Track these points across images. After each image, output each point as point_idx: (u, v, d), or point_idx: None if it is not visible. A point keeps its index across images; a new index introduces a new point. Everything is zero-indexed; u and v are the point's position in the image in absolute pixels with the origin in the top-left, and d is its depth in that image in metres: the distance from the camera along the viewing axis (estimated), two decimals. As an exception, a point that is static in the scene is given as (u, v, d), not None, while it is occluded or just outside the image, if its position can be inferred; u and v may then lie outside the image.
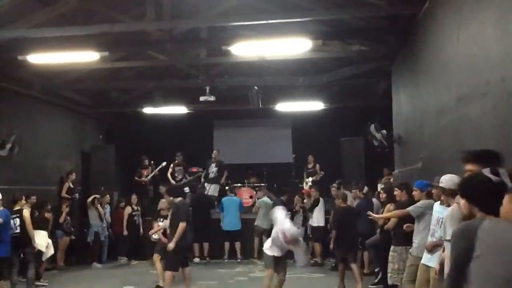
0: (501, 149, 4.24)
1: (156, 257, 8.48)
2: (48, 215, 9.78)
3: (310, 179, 12.84)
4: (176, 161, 13.19)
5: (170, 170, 13.05)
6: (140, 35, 9.28)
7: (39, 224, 8.87)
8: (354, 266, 7.86)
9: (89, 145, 13.76)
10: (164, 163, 13.10)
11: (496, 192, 2.45)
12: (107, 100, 13.27)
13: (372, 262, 9.06)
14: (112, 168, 13.10)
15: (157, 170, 13.18)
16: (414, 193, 5.96)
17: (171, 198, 7.67)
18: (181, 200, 7.68)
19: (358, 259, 9.67)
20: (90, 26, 8.19)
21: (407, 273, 5.85)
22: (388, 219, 6.81)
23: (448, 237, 3.91)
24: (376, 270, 8.61)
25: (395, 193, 6.75)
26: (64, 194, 11.45)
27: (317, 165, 12.94)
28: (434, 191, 5.31)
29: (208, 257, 11.48)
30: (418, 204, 5.79)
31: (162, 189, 11.22)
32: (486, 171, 2.63)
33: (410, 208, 5.82)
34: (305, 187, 12.78)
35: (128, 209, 11.69)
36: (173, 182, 12.84)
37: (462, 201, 2.58)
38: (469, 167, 3.29)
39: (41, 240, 8.74)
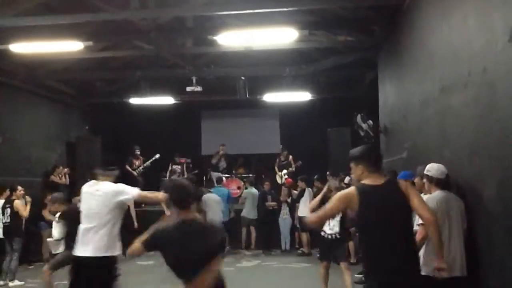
0: (481, 139, 4.28)
1: None
2: None
3: (285, 171, 13.06)
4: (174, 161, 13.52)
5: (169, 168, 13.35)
6: (125, 24, 9.17)
7: None
8: None
9: (75, 136, 13.60)
10: (157, 156, 13.05)
11: None
12: (92, 90, 13.14)
13: (358, 251, 9.09)
14: (98, 159, 12.94)
15: (149, 162, 13.05)
16: None
17: None
18: None
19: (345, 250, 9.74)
20: (74, 15, 8.05)
21: None
22: None
23: (417, 222, 3.98)
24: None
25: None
26: (58, 181, 11.47)
27: (290, 157, 13.17)
28: (416, 180, 5.32)
29: None
30: None
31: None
32: None
33: None
34: (278, 180, 12.96)
35: None
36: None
37: None
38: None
39: None
